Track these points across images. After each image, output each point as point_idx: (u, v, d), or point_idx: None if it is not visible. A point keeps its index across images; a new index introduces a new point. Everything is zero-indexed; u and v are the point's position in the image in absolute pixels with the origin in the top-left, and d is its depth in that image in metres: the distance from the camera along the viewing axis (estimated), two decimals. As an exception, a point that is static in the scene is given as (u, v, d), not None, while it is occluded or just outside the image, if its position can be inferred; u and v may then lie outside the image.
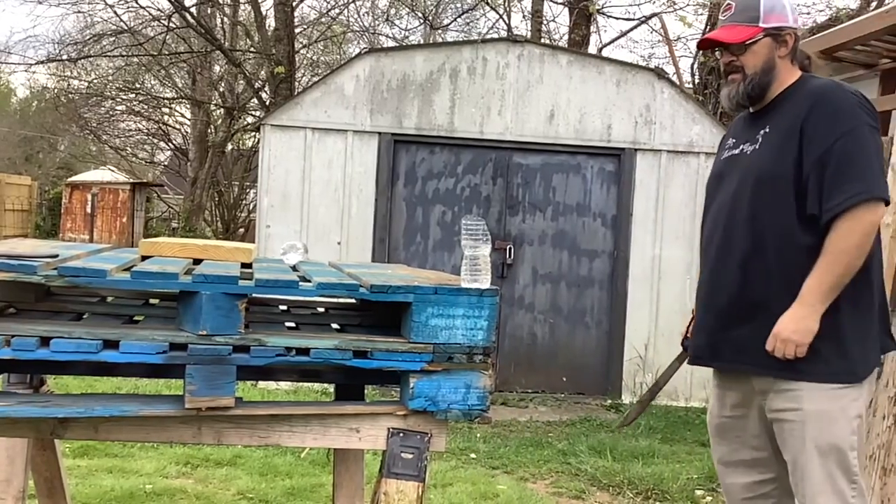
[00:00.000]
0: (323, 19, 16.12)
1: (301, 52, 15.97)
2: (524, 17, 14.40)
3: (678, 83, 9.83)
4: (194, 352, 2.03)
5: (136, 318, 2.39)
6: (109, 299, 2.64)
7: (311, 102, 7.52)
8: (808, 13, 13.21)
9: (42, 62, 16.34)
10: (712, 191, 2.76)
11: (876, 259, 2.57)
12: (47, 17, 35.04)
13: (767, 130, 2.60)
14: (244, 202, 18.17)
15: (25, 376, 2.51)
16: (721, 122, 8.62)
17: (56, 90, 19.89)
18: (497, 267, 7.41)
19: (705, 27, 12.03)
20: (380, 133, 7.51)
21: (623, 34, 13.97)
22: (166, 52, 14.76)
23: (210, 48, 14.54)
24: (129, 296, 2.66)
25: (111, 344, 2.03)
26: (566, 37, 13.48)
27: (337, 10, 15.72)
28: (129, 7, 14.88)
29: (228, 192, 17.67)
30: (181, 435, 2.17)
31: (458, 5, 16.45)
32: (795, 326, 2.44)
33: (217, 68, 18.14)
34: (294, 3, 13.26)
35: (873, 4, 11.29)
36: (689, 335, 2.91)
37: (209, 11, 15.85)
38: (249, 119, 17.17)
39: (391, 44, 15.94)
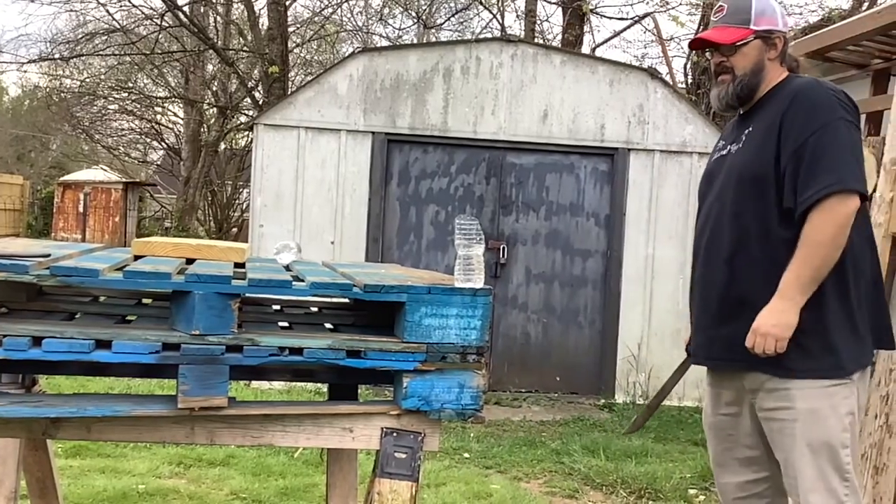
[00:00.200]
0: (316, 18, 16.11)
1: (294, 51, 15.95)
2: (518, 16, 14.44)
3: (671, 83, 9.85)
4: (187, 351, 2.03)
5: (128, 317, 2.38)
6: (102, 299, 2.63)
7: (304, 102, 7.51)
8: (801, 13, 13.27)
9: (34, 61, 16.28)
10: (703, 192, 2.81)
11: (862, 252, 2.57)
12: (39, 16, 35.09)
13: (751, 129, 2.65)
14: (237, 202, 18.15)
15: (17, 376, 2.49)
16: (714, 123, 8.64)
17: (48, 89, 19.84)
18: (490, 266, 7.41)
19: (698, 27, 12.05)
20: (373, 132, 7.51)
21: (616, 34, 14.00)
22: (159, 51, 14.74)
23: (203, 47, 14.51)
24: (122, 295, 2.65)
25: (103, 344, 2.02)
26: (560, 36, 13.50)
27: (330, 10, 15.71)
28: (121, 6, 14.86)
29: (221, 192, 17.64)
30: (174, 435, 2.17)
31: (452, 5, 16.46)
32: (775, 321, 2.45)
33: (210, 67, 18.11)
34: (287, 3, 13.24)
35: (865, 5, 11.32)
36: (691, 339, 2.91)
37: (202, 10, 15.82)
38: (242, 118, 17.15)
39: (385, 43, 15.94)
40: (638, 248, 7.69)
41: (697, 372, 7.85)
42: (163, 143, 21.01)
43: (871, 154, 3.88)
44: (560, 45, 11.90)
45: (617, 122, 7.68)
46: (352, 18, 16.69)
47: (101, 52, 16.00)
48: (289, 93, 10.07)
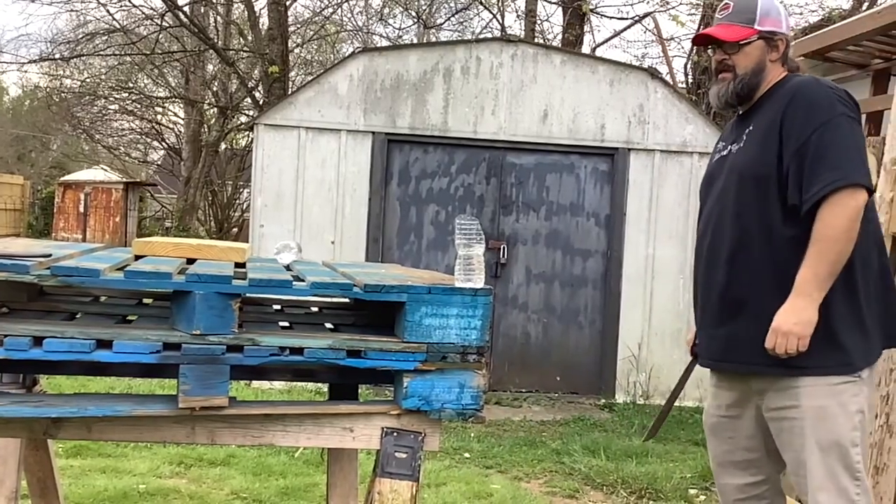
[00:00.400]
0: (316, 18, 16.11)
1: (295, 51, 15.95)
2: (518, 16, 14.44)
3: (671, 83, 9.85)
4: (188, 351, 2.03)
5: (129, 317, 2.38)
6: (103, 299, 2.63)
7: (304, 102, 7.51)
8: (801, 13, 13.26)
9: (34, 61, 16.29)
10: (704, 193, 2.81)
11: (868, 248, 2.56)
12: (39, 16, 35.09)
13: (751, 129, 2.64)
14: (238, 201, 18.15)
15: (18, 376, 2.50)
16: (714, 122, 8.64)
17: (48, 89, 19.84)
18: (491, 266, 7.42)
19: (698, 27, 12.04)
20: (373, 132, 7.51)
21: (616, 34, 14.00)
22: (159, 52, 14.74)
23: (203, 47, 14.52)
24: (123, 295, 2.65)
25: (104, 343, 2.03)
26: (560, 36, 13.50)
27: (330, 10, 15.71)
28: (121, 6, 14.86)
29: (222, 192, 17.64)
30: (175, 435, 2.17)
31: (452, 5, 16.46)
32: (796, 319, 2.43)
33: (210, 67, 18.11)
34: (287, 3, 13.24)
35: (865, 5, 11.32)
36: (697, 341, 2.91)
37: (202, 10, 15.82)
38: (243, 118, 17.15)
39: (385, 43, 15.94)
40: (638, 248, 7.69)
41: (698, 372, 7.86)
42: (163, 143, 21.01)
43: (871, 154, 3.88)
44: (560, 45, 11.90)
45: (617, 122, 7.68)
46: (352, 18, 16.71)
47: (101, 53, 16.01)
48: (289, 93, 10.07)
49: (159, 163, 23.28)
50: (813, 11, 13.46)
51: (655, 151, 7.71)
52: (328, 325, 2.54)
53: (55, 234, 20.41)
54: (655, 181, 7.70)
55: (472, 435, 6.00)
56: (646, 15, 13.22)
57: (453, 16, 16.35)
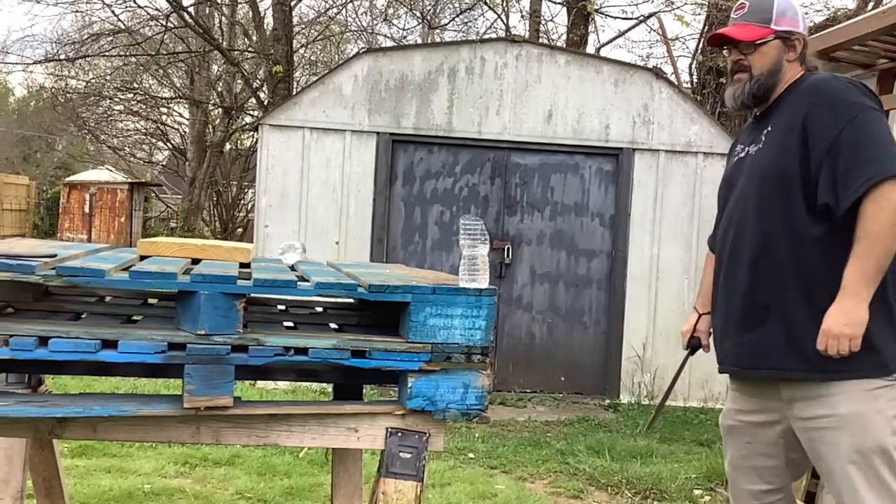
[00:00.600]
0: (321, 19, 16.12)
1: (299, 51, 15.97)
2: (522, 16, 14.42)
3: (676, 83, 9.84)
4: (193, 351, 2.03)
5: (134, 317, 2.39)
6: (108, 299, 2.63)
7: (309, 102, 7.52)
8: (806, 13, 13.23)
9: (40, 62, 16.34)
10: (723, 196, 2.74)
11: None
12: (45, 17, 35.16)
13: (770, 129, 2.59)
14: (242, 202, 18.17)
15: (24, 376, 2.51)
16: (719, 122, 8.63)
17: (54, 90, 19.87)
18: (495, 267, 7.42)
19: (703, 27, 12.03)
20: (378, 133, 7.52)
21: (621, 34, 13.99)
22: (164, 52, 14.75)
23: (208, 48, 14.54)
24: (128, 295, 2.66)
25: (109, 344, 2.03)
26: (564, 37, 13.49)
27: (335, 10, 15.72)
28: (126, 6, 14.89)
29: (227, 192, 17.67)
30: (179, 434, 2.17)
31: (456, 5, 16.45)
32: (846, 319, 2.35)
33: (215, 68, 18.14)
34: (292, 3, 13.25)
35: (870, 5, 11.30)
36: (694, 334, 2.88)
37: (207, 11, 15.85)
38: (248, 119, 17.17)
39: (389, 43, 15.95)
40: (643, 248, 7.68)
41: (702, 372, 7.84)
42: (168, 144, 21.05)
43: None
44: (565, 46, 11.89)
45: (622, 122, 7.68)
46: (356, 19, 16.71)
47: (106, 53, 16.03)
48: (294, 93, 10.08)
49: (164, 163, 23.33)
50: (818, 11, 13.43)
51: (660, 151, 7.70)
52: (333, 326, 2.54)
53: (60, 235, 20.45)
54: (660, 181, 7.69)
55: (477, 435, 5.99)
56: (650, 15, 13.20)
57: (458, 16, 16.35)
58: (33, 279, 2.00)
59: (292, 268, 2.68)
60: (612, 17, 16.75)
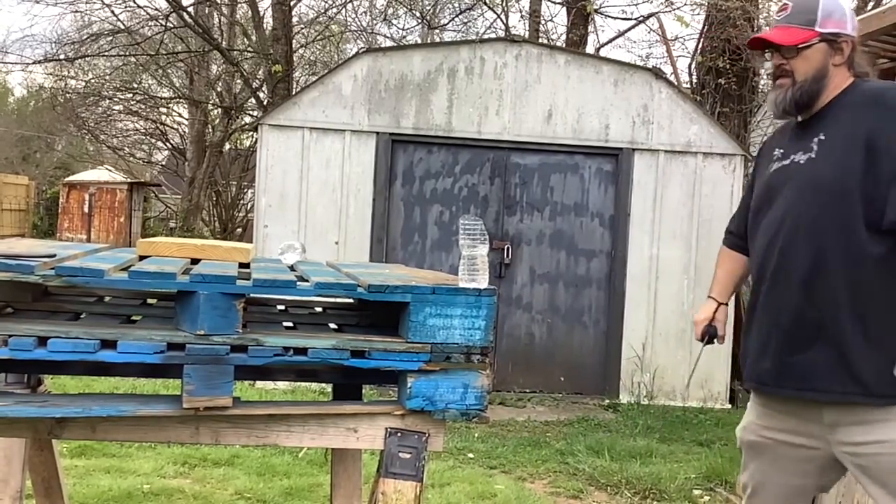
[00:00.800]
0: (321, 19, 16.11)
1: (299, 51, 15.96)
2: (522, 16, 14.42)
3: (676, 83, 9.84)
4: (192, 352, 2.03)
5: (133, 317, 2.39)
6: (107, 299, 2.63)
7: (308, 102, 7.52)
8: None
9: (39, 62, 16.31)
10: (762, 204, 2.54)
11: None
12: (44, 17, 35.14)
13: (823, 138, 2.43)
14: (242, 202, 18.16)
15: (23, 376, 2.51)
16: (719, 122, 8.63)
17: (53, 90, 19.87)
18: (495, 267, 7.42)
19: (702, 27, 12.03)
20: (377, 133, 7.52)
21: (621, 34, 13.97)
22: (164, 52, 14.75)
23: (208, 48, 14.53)
24: (127, 295, 2.66)
25: (109, 344, 2.03)
26: (564, 36, 13.49)
27: (335, 10, 15.71)
28: (126, 6, 14.87)
29: (226, 192, 17.66)
30: (179, 435, 2.17)
31: (456, 5, 16.45)
32: None
33: (214, 68, 18.13)
34: (292, 3, 13.25)
35: (870, 5, 11.30)
36: (712, 323, 2.72)
37: (207, 11, 15.84)
38: (247, 119, 17.17)
39: (389, 43, 15.94)
40: (642, 249, 7.68)
41: (701, 372, 7.82)
42: (167, 144, 21.04)
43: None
44: (564, 46, 11.89)
45: (621, 122, 7.68)
46: (356, 19, 16.70)
47: (105, 53, 16.02)
48: (293, 93, 10.08)
49: (163, 163, 23.31)
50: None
51: (660, 151, 7.70)
52: (332, 326, 2.54)
53: (60, 235, 20.44)
54: (660, 181, 7.69)
55: (476, 435, 5.99)
56: (650, 15, 13.20)
57: (457, 16, 16.34)
58: (32, 279, 2.00)
59: (292, 268, 2.67)
60: (611, 17, 16.75)
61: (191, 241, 2.73)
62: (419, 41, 15.79)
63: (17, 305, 2.33)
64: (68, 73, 19.12)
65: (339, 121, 7.48)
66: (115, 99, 18.76)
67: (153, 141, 21.98)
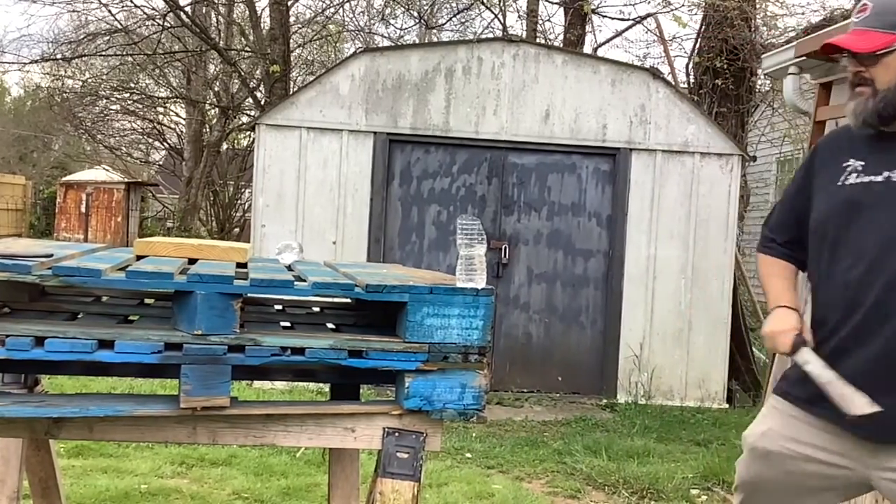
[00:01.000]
0: (318, 18, 16.11)
1: (296, 51, 15.95)
2: (519, 16, 14.43)
3: (673, 83, 9.85)
4: (189, 351, 2.03)
5: (131, 317, 2.38)
6: (104, 299, 2.63)
7: (306, 102, 7.51)
8: (803, 13, 13.26)
9: (36, 61, 16.28)
10: (841, 221, 2.29)
11: None
12: (41, 17, 35.09)
13: None
14: (239, 202, 18.14)
15: (20, 376, 2.50)
16: (716, 122, 8.64)
17: (50, 89, 19.84)
18: (492, 267, 7.42)
19: (700, 27, 12.04)
20: (375, 133, 7.51)
21: (618, 34, 13.98)
22: (161, 52, 14.74)
23: (205, 47, 14.52)
24: (124, 295, 2.66)
25: (106, 344, 2.03)
26: (561, 36, 13.49)
27: (332, 10, 15.71)
28: (123, 6, 14.86)
29: (223, 192, 17.64)
30: (176, 435, 2.17)
31: (454, 5, 16.45)
32: None
33: (212, 68, 18.11)
34: (289, 3, 13.24)
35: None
36: (800, 333, 2.39)
37: (204, 11, 15.82)
38: (244, 118, 17.15)
39: (386, 43, 15.94)
40: (640, 248, 7.69)
41: (699, 372, 7.82)
42: (165, 144, 21.02)
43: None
44: (562, 45, 11.89)
45: (619, 122, 7.68)
46: (354, 18, 16.69)
47: (103, 53, 16.01)
48: (290, 93, 10.07)
49: (161, 163, 23.30)
50: (815, 11, 13.45)
51: (657, 151, 7.71)
52: (330, 326, 2.54)
53: (57, 235, 20.42)
54: (657, 181, 7.70)
55: (474, 435, 5.99)
56: (647, 16, 13.21)
57: (455, 16, 16.34)
58: (30, 279, 2.00)
59: (289, 268, 2.67)
60: (609, 17, 16.73)
61: (188, 241, 2.72)
62: (417, 41, 15.79)
63: (14, 305, 2.33)
64: (65, 72, 19.09)
65: (337, 120, 7.48)
66: (113, 98, 18.74)
67: (150, 141, 21.97)
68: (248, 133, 15.55)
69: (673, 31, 26.35)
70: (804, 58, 5.75)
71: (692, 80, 12.19)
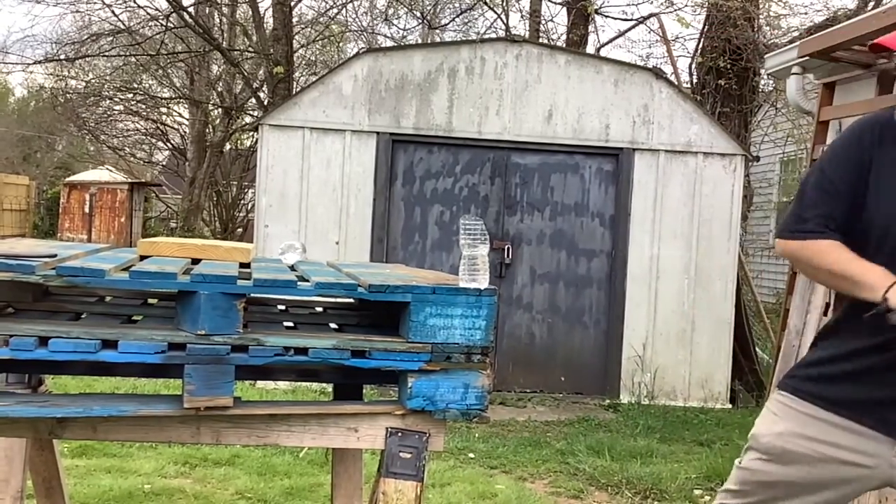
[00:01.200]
0: (321, 19, 16.12)
1: (299, 51, 15.97)
2: (522, 16, 14.42)
3: (676, 83, 9.84)
4: (193, 351, 2.03)
5: (134, 317, 2.39)
6: (108, 299, 2.63)
7: (309, 102, 7.52)
8: (806, 13, 13.24)
9: (40, 62, 16.33)
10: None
11: None
12: (45, 17, 35.14)
13: None
14: (242, 202, 18.17)
15: (24, 376, 2.51)
16: (719, 122, 8.63)
17: (54, 90, 19.88)
18: (495, 267, 7.42)
19: (703, 27, 12.03)
20: (378, 133, 7.52)
21: (621, 34, 13.98)
22: (164, 52, 14.76)
23: (208, 48, 14.54)
24: (128, 295, 2.66)
25: (110, 344, 2.03)
26: (564, 36, 13.49)
27: (335, 10, 15.72)
28: (126, 7, 14.88)
29: (227, 192, 17.67)
30: (180, 435, 2.17)
31: (457, 5, 16.46)
32: None
33: (215, 68, 18.15)
34: (292, 3, 13.25)
35: (871, 5, 11.30)
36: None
37: (207, 11, 15.84)
38: (248, 119, 17.17)
39: (389, 43, 15.95)
40: (643, 248, 7.68)
41: (702, 371, 7.82)
42: (168, 144, 21.05)
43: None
44: (564, 46, 11.89)
45: (622, 122, 7.68)
46: (356, 19, 16.71)
47: (106, 53, 16.03)
48: (294, 93, 10.08)
49: (164, 163, 23.33)
50: (818, 11, 13.44)
51: (660, 151, 7.70)
52: (333, 326, 2.54)
53: (60, 235, 20.45)
54: (660, 181, 7.69)
55: (477, 435, 5.99)
56: (650, 16, 13.20)
57: (458, 16, 16.36)
58: (33, 279, 2.00)
59: (292, 268, 2.68)
60: (611, 17, 16.74)
61: (191, 241, 2.73)
62: (419, 41, 15.79)
63: (18, 305, 2.33)
64: (69, 73, 19.14)
65: (340, 121, 7.48)
66: (116, 99, 18.77)
67: (154, 141, 22.00)
68: (251, 133, 15.57)
69: (676, 31, 26.32)
70: (807, 58, 5.74)
71: (695, 80, 12.19)
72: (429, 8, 15.82)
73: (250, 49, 15.04)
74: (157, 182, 22.78)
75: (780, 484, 2.39)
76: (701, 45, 11.99)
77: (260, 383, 6.57)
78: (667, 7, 12.95)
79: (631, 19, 13.82)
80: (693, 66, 12.48)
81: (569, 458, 5.49)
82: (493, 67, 7.62)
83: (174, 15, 13.36)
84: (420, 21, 16.02)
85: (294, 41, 14.05)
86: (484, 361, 2.19)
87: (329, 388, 3.08)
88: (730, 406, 7.55)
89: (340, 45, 17.76)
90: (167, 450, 5.05)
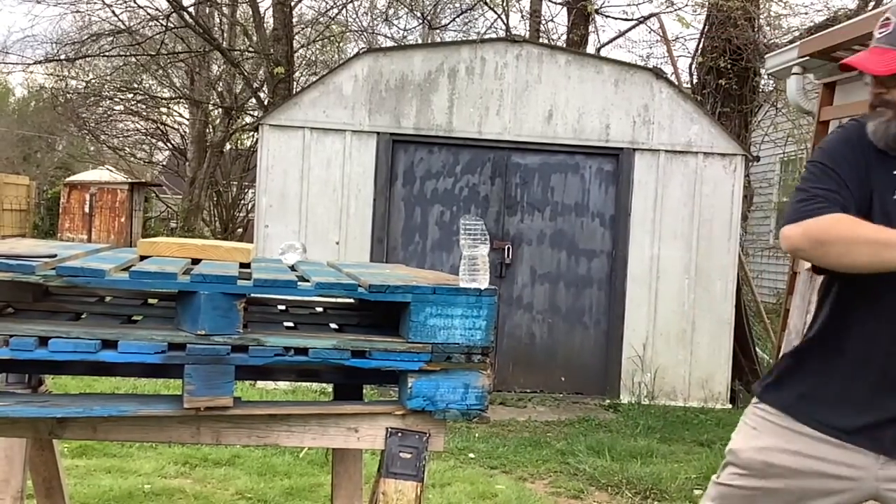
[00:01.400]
0: (321, 19, 16.12)
1: (299, 51, 15.97)
2: (522, 16, 14.42)
3: (676, 83, 9.84)
4: (193, 352, 2.03)
5: (134, 317, 2.39)
6: (108, 299, 2.63)
7: (309, 102, 7.52)
8: (806, 13, 13.24)
9: (40, 62, 16.34)
10: None
11: None
12: (45, 17, 35.11)
13: None
14: (242, 202, 18.17)
15: (24, 376, 2.51)
16: (719, 122, 8.63)
17: (54, 90, 19.89)
18: (495, 267, 7.42)
19: (703, 27, 12.03)
20: (378, 133, 7.52)
21: (621, 34, 13.98)
22: (164, 52, 14.77)
23: (208, 48, 14.54)
24: (128, 296, 2.66)
25: (110, 344, 2.03)
26: (564, 37, 13.49)
27: (335, 10, 15.72)
28: (126, 7, 14.89)
29: (227, 192, 17.67)
30: (180, 435, 2.17)
31: (457, 5, 16.46)
32: None
33: (215, 68, 18.15)
34: (292, 3, 13.26)
35: (871, 5, 11.31)
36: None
37: (207, 11, 15.85)
38: (248, 119, 17.17)
39: (389, 44, 15.95)
40: (643, 248, 7.68)
41: (702, 372, 7.82)
42: (168, 144, 21.06)
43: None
44: (565, 46, 11.89)
45: (622, 122, 7.68)
46: (357, 19, 16.71)
47: (106, 53, 16.04)
48: (294, 93, 10.09)
49: (164, 163, 23.34)
50: (818, 11, 13.44)
51: (660, 151, 7.70)
52: (333, 326, 2.54)
53: (60, 235, 20.45)
54: (660, 181, 7.69)
55: (477, 435, 5.99)
56: (651, 15, 13.20)
57: (458, 16, 16.36)
58: (33, 279, 2.00)
59: (292, 268, 2.67)
60: (612, 17, 16.73)
61: (191, 242, 2.73)
62: (420, 41, 15.79)
63: (18, 305, 2.33)
64: (69, 73, 19.14)
65: (340, 121, 7.48)
66: (116, 99, 18.79)
67: (154, 141, 22.01)
68: (251, 133, 15.57)
69: (676, 31, 26.32)
70: (808, 58, 5.75)
71: (695, 80, 12.19)
72: (429, 8, 15.82)
73: (250, 49, 15.05)
74: (157, 182, 22.79)
75: (760, 498, 2.35)
76: (701, 45, 11.99)
77: (260, 383, 6.57)
78: (667, 7, 12.96)
79: (631, 19, 13.82)
80: (693, 66, 12.49)
81: (569, 459, 5.49)
82: (494, 67, 7.62)
83: (174, 15, 13.36)
84: (420, 21, 16.03)
85: (294, 41, 14.05)
86: (484, 361, 2.18)
87: (329, 388, 3.08)
88: (730, 406, 7.55)
89: (340, 45, 17.76)
90: (167, 450, 5.05)
